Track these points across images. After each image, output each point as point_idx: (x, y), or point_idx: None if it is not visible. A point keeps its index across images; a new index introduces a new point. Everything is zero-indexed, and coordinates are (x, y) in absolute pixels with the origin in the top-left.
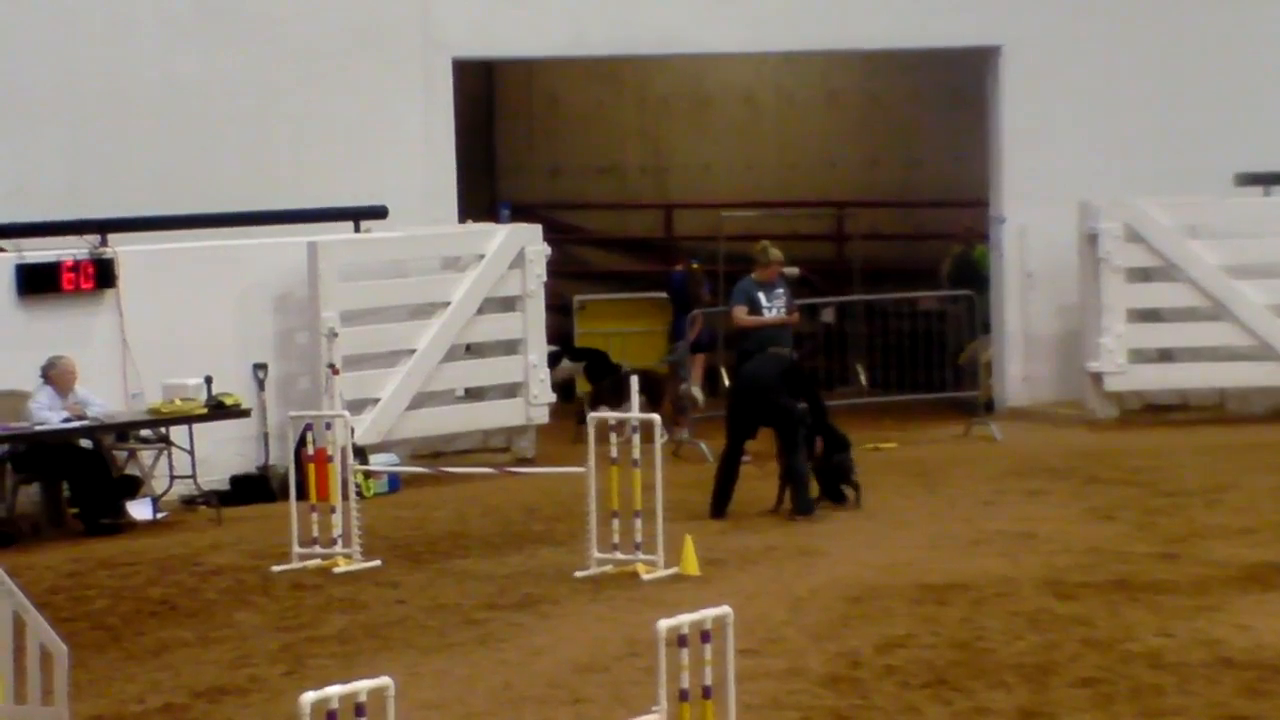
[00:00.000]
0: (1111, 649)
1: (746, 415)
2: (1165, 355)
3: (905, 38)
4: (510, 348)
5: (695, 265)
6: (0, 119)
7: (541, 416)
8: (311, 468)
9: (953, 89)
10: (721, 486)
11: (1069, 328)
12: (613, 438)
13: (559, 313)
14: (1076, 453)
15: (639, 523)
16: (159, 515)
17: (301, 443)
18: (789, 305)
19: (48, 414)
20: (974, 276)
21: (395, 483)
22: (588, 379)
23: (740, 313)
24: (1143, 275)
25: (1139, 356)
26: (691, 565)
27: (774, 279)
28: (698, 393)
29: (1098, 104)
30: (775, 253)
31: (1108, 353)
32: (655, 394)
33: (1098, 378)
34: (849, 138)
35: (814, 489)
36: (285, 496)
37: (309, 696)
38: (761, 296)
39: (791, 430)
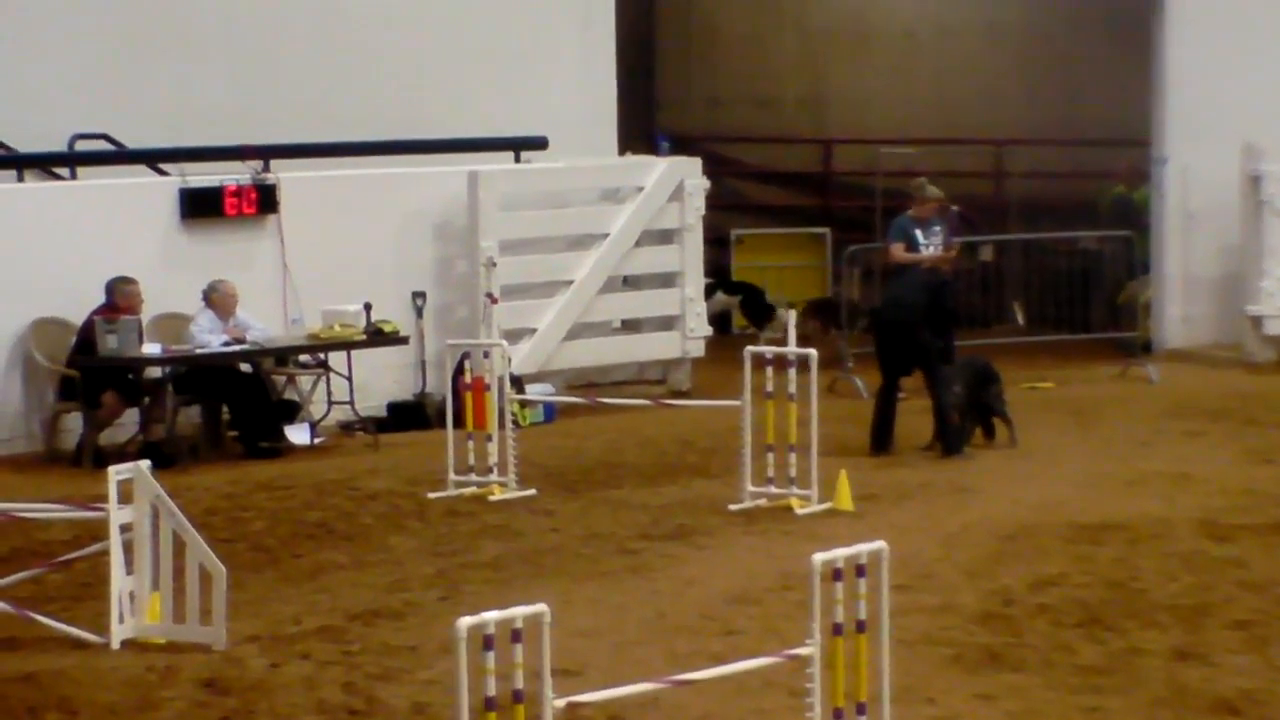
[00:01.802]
0: (1267, 591)
1: (891, 349)
2: None
3: None
4: (667, 280)
5: None
6: (167, 46)
7: (697, 349)
8: (468, 396)
9: (1115, 24)
10: (879, 422)
11: (1229, 270)
12: (769, 370)
13: (716, 246)
14: (1234, 395)
15: (793, 457)
16: (316, 440)
17: (459, 371)
18: (946, 242)
19: (208, 337)
20: (1131, 219)
21: (551, 412)
22: (743, 313)
23: (897, 249)
24: None
25: None
26: (845, 500)
27: (931, 216)
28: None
29: (1265, 42)
30: (933, 190)
31: (1268, 296)
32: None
33: (1257, 321)
34: (1009, 73)
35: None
36: (441, 424)
37: (465, 621)
38: (918, 233)
39: (932, 366)
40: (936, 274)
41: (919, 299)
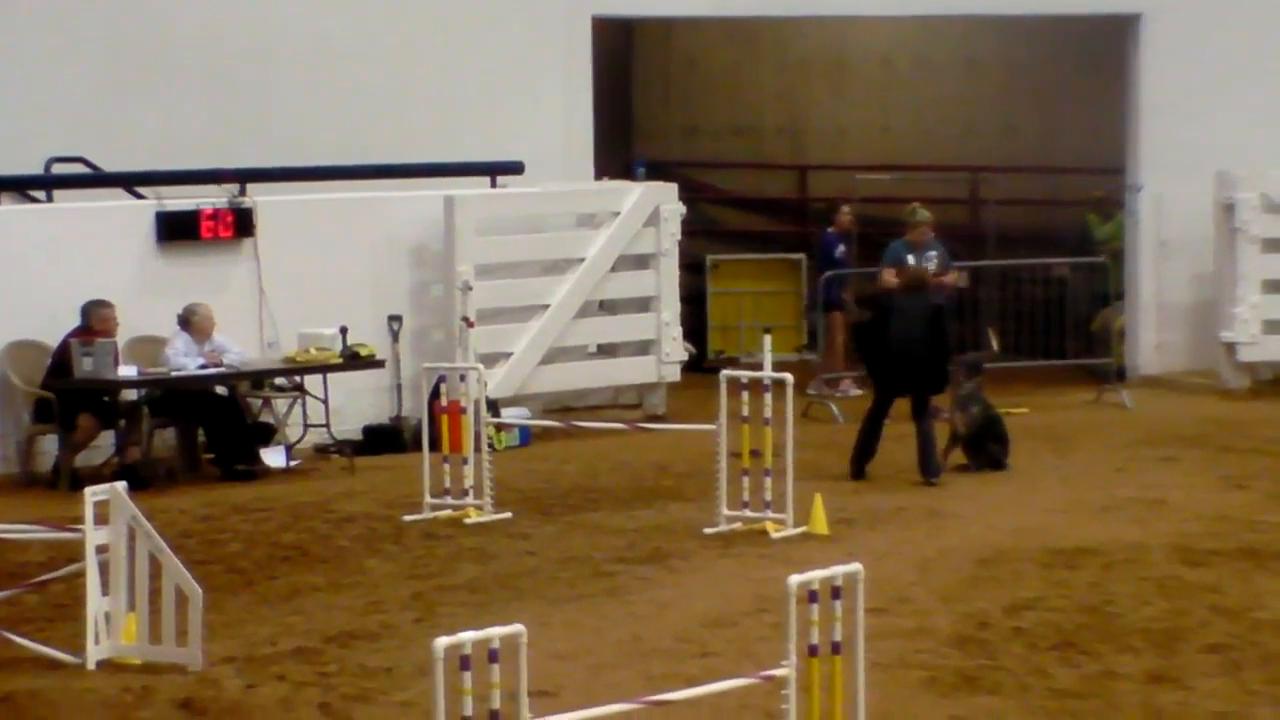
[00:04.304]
0: (1241, 616)
1: (895, 376)
2: None
3: (1045, 4)
4: (643, 305)
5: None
6: (148, 71)
7: (673, 374)
8: (444, 419)
9: (1092, 55)
10: (863, 445)
11: (1203, 297)
12: (744, 395)
13: (692, 271)
14: (1208, 421)
15: (769, 481)
16: (292, 463)
17: (435, 394)
18: (943, 265)
19: (184, 360)
20: (1090, 249)
21: (526, 436)
22: None
23: (889, 275)
24: (1279, 246)
25: (1273, 327)
26: (821, 524)
27: (924, 240)
28: None
29: (1237, 72)
30: (924, 213)
31: (1241, 323)
32: None
33: (1231, 347)
34: (986, 103)
35: (949, 453)
36: (417, 447)
37: (442, 641)
38: (911, 259)
39: (925, 394)
40: (927, 305)
41: (922, 330)
